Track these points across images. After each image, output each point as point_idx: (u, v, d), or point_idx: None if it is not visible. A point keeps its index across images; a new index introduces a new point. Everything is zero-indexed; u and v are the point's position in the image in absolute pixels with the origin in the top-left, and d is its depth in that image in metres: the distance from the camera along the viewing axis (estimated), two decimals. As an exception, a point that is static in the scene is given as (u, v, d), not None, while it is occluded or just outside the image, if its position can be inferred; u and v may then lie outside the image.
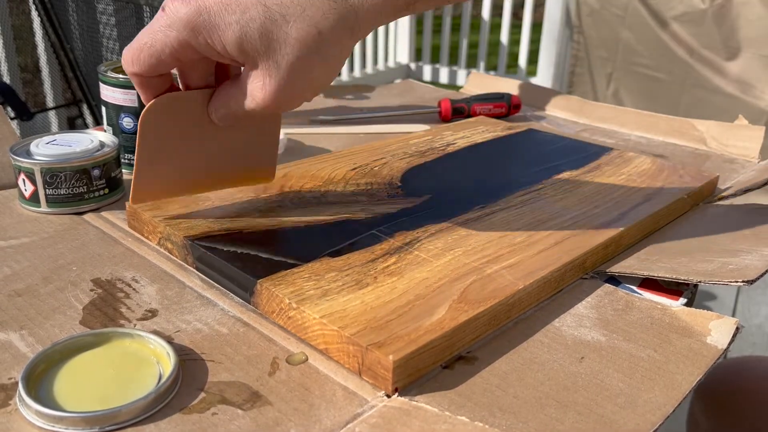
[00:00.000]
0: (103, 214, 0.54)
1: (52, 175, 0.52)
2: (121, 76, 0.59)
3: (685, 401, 0.36)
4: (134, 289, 0.44)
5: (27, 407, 0.32)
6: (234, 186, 0.46)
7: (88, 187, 0.54)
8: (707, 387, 0.72)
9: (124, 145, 0.61)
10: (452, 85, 3.31)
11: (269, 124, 0.45)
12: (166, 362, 0.36)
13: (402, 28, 3.40)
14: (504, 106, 0.87)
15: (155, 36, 0.39)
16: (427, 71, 3.44)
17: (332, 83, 0.65)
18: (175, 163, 0.45)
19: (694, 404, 0.76)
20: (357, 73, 3.23)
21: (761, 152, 0.76)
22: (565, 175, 0.61)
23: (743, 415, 0.69)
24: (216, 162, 0.45)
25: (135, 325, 0.40)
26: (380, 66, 3.37)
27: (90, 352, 0.36)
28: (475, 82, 1.01)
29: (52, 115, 2.15)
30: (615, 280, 0.47)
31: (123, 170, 0.59)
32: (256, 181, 0.46)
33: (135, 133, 0.60)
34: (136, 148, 0.44)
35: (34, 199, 0.53)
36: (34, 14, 1.97)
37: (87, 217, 0.54)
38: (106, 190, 0.55)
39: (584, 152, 0.68)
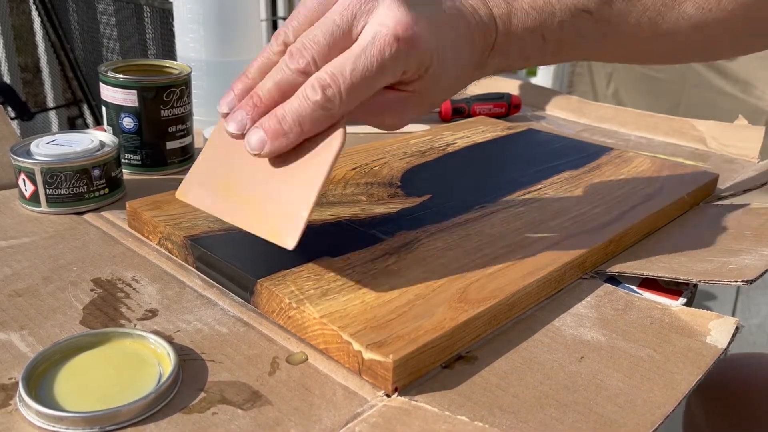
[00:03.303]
0: (104, 213, 0.54)
1: (53, 175, 0.52)
2: (121, 76, 0.59)
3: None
4: (134, 289, 0.44)
5: (27, 407, 0.32)
6: (252, 231, 0.40)
7: (88, 187, 0.54)
8: (706, 384, 0.72)
9: (125, 145, 0.61)
10: (452, 85, 3.30)
11: (313, 174, 0.39)
12: (167, 362, 0.36)
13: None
14: (504, 106, 0.87)
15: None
16: (427, 71, 3.44)
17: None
18: (222, 179, 0.43)
19: (691, 402, 0.75)
20: (357, 72, 3.23)
21: (761, 152, 0.76)
22: (565, 175, 0.61)
23: (744, 414, 0.69)
24: (251, 198, 0.41)
25: (135, 325, 0.40)
26: (380, 66, 3.37)
27: (90, 352, 0.36)
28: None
29: (52, 115, 2.15)
30: (615, 280, 0.47)
31: (123, 170, 0.59)
32: (274, 237, 0.39)
33: (134, 133, 0.61)
34: (204, 147, 0.44)
35: (34, 199, 0.53)
36: (35, 14, 1.97)
37: (87, 216, 0.54)
38: (107, 190, 0.55)
39: (584, 152, 0.68)
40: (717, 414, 0.72)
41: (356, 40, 0.37)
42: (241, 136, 0.39)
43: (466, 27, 0.41)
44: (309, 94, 0.37)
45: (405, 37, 0.37)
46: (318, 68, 0.37)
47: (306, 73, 0.38)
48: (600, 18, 0.45)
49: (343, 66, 0.37)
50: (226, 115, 0.40)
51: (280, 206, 0.39)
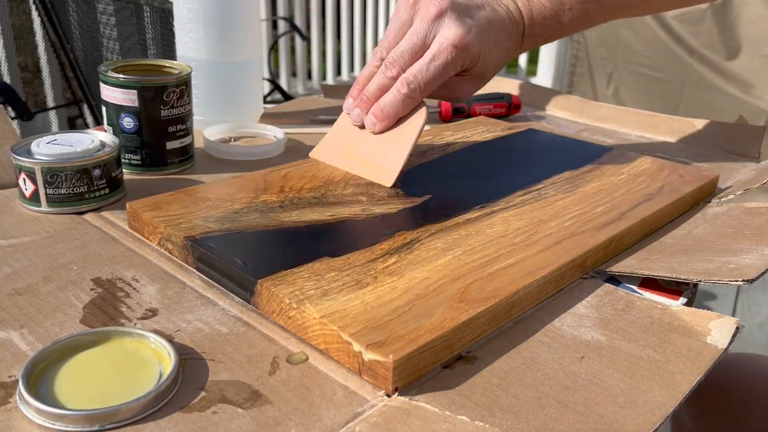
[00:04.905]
0: (104, 213, 0.54)
1: (53, 174, 0.52)
2: (121, 76, 0.59)
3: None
4: (135, 289, 0.44)
5: (27, 405, 0.32)
6: (364, 176, 0.58)
7: (88, 186, 0.54)
8: (704, 385, 0.71)
9: (125, 145, 0.61)
10: (452, 85, 3.30)
11: (406, 138, 0.57)
12: (167, 361, 0.36)
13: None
14: (504, 106, 0.87)
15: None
16: (427, 71, 3.44)
17: (332, 83, 0.74)
18: (344, 147, 0.61)
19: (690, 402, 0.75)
20: (357, 73, 3.23)
21: (761, 152, 0.76)
22: (565, 175, 0.61)
23: (732, 414, 0.69)
24: (366, 157, 0.59)
25: (135, 324, 0.40)
26: (380, 66, 3.37)
27: (90, 350, 0.36)
28: (476, 82, 1.01)
29: (52, 115, 2.15)
30: (615, 280, 0.47)
31: (123, 170, 0.59)
32: (379, 179, 0.57)
33: (134, 133, 0.61)
34: (331, 128, 0.62)
35: (34, 198, 0.53)
36: (35, 14, 1.97)
37: (87, 216, 0.54)
38: (107, 190, 0.55)
39: (584, 152, 0.68)
40: (707, 417, 0.72)
41: (428, 47, 0.55)
42: (361, 125, 0.59)
43: (501, 23, 0.58)
44: (400, 89, 0.56)
45: (461, 46, 0.54)
46: (404, 71, 0.56)
47: (396, 78, 0.56)
48: (602, 1, 0.61)
49: (421, 68, 0.55)
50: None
51: (384, 159, 0.57)
